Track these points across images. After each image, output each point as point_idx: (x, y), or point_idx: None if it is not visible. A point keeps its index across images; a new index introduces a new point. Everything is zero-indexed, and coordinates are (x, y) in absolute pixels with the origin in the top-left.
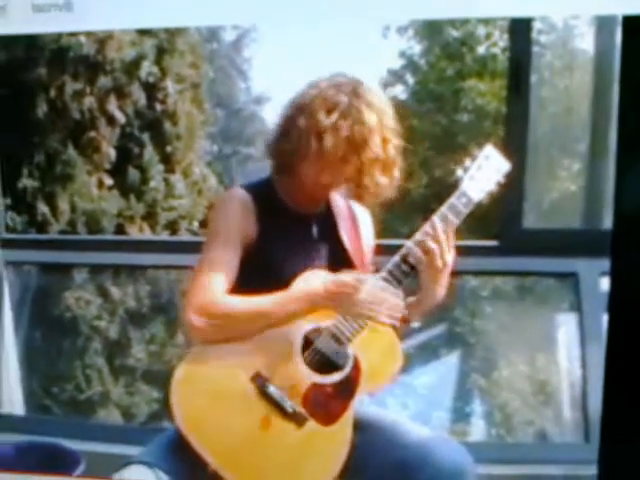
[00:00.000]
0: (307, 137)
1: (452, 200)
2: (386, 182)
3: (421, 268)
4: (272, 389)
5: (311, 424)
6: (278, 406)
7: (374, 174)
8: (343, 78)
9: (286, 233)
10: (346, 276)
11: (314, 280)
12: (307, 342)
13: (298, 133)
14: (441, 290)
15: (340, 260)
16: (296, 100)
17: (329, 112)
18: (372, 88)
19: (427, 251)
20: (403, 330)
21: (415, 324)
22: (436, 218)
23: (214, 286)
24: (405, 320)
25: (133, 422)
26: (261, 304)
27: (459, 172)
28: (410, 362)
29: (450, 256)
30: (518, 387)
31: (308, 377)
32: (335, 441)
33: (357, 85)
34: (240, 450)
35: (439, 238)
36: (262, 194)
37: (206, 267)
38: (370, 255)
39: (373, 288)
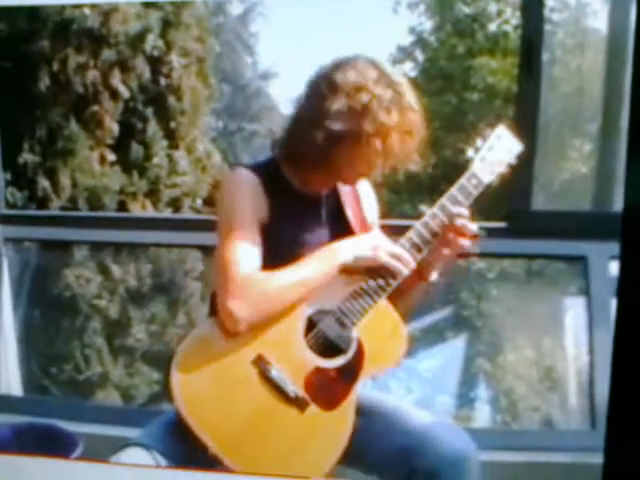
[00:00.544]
0: (372, 141)
1: (462, 181)
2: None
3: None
4: (274, 373)
5: (313, 408)
6: (280, 390)
7: (416, 154)
8: (369, 68)
9: (295, 215)
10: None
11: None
12: (310, 325)
13: (361, 139)
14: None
15: (345, 236)
16: (346, 107)
17: (389, 112)
18: (389, 66)
19: (436, 233)
20: (420, 287)
21: (433, 278)
22: (446, 200)
23: (247, 266)
24: (423, 277)
25: (132, 404)
26: (300, 271)
27: (470, 152)
28: (415, 345)
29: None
30: (524, 372)
31: (311, 361)
32: (337, 426)
33: (385, 71)
34: (240, 434)
35: (460, 212)
36: (269, 176)
37: (233, 250)
38: (374, 222)
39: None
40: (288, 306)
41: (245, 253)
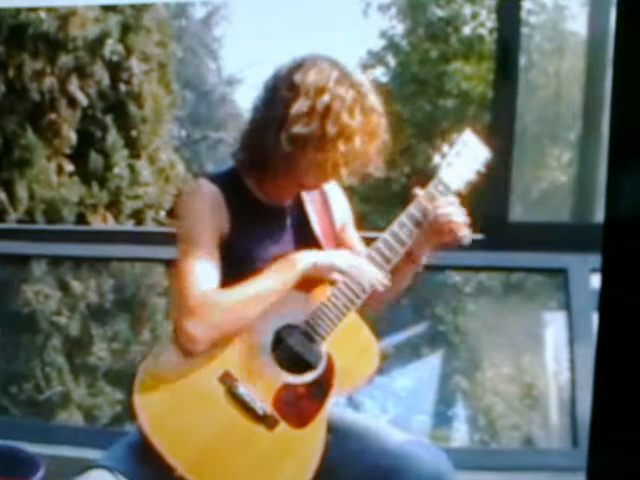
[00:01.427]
0: (336, 143)
1: (429, 189)
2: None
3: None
4: (241, 390)
5: (282, 426)
6: (248, 408)
7: (379, 158)
8: (330, 68)
9: (258, 226)
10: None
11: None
12: (278, 340)
13: (325, 141)
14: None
15: (310, 246)
16: (307, 109)
17: (351, 113)
18: (348, 67)
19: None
20: (410, 270)
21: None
22: (413, 208)
23: (205, 283)
24: (413, 260)
25: (95, 424)
26: (257, 285)
27: (437, 159)
28: (389, 362)
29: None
30: (503, 390)
31: (279, 377)
32: (308, 445)
33: (345, 71)
34: (207, 454)
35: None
36: (231, 187)
37: (187, 267)
38: (349, 231)
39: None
40: (250, 321)
41: (202, 271)
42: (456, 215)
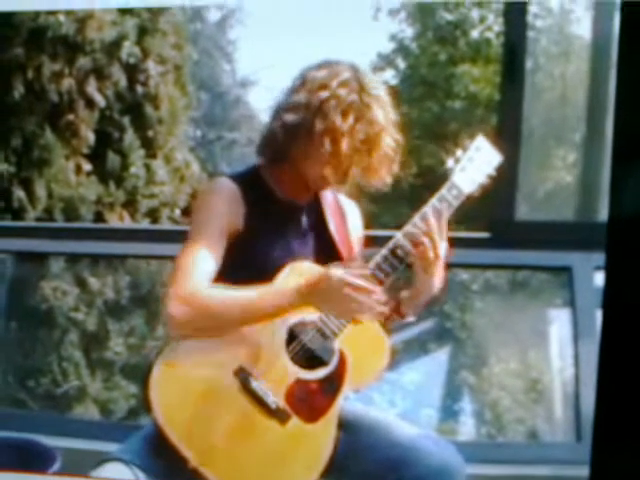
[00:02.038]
0: (321, 140)
1: (442, 192)
2: (386, 176)
3: (411, 260)
4: (255, 384)
5: (294, 421)
6: (261, 402)
7: (380, 170)
8: (346, 71)
9: (274, 223)
10: (331, 271)
11: (300, 272)
12: (292, 336)
13: (311, 136)
14: (435, 283)
15: (327, 251)
16: (305, 101)
17: (345, 115)
18: (372, 77)
19: (417, 244)
20: (398, 325)
21: (410, 318)
22: (427, 209)
23: (198, 276)
24: (400, 314)
25: (111, 418)
26: (246, 296)
27: (450, 163)
28: (398, 358)
29: (443, 248)
30: (509, 385)
31: (292, 372)
32: (319, 439)
33: (362, 79)
34: (220, 447)
35: (430, 230)
36: (250, 184)
37: (190, 257)
38: (358, 247)
39: (355, 283)
40: (231, 327)
41: (200, 262)
42: (432, 246)
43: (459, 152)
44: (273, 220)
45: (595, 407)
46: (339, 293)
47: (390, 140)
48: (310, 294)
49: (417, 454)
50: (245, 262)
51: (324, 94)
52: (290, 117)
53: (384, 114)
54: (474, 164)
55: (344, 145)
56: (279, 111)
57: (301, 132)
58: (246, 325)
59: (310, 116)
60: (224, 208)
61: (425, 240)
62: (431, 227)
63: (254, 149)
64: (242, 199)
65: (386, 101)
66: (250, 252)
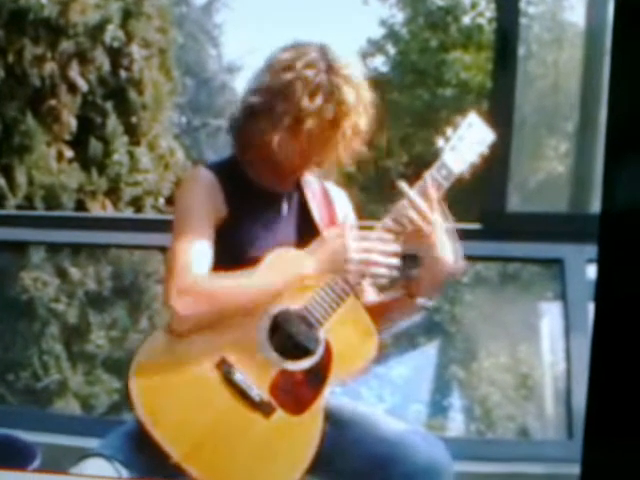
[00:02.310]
0: (287, 121)
1: (432, 172)
2: (355, 154)
3: (410, 237)
4: (238, 376)
5: (279, 413)
6: (244, 394)
7: (348, 149)
8: (313, 52)
9: (255, 212)
10: (329, 234)
11: (282, 259)
12: (275, 325)
13: (277, 118)
14: (444, 259)
15: (311, 238)
16: (268, 83)
17: (312, 96)
18: (342, 57)
19: (410, 221)
20: (411, 307)
21: (424, 302)
22: (413, 191)
23: (196, 266)
24: (411, 294)
25: (92, 413)
26: (253, 277)
27: (440, 142)
28: (386, 352)
29: (436, 219)
30: (499, 380)
31: (276, 363)
32: (305, 432)
33: (331, 60)
34: (203, 442)
35: (416, 204)
36: (228, 173)
37: (183, 247)
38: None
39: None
40: (238, 312)
41: (195, 253)
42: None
43: (449, 131)
44: (252, 208)
45: (587, 403)
46: (356, 254)
47: (361, 120)
48: (327, 260)
49: (405, 450)
50: (228, 252)
51: (289, 75)
52: (253, 99)
53: (355, 94)
54: (465, 142)
55: (310, 125)
56: (244, 95)
57: (264, 114)
58: (256, 308)
59: (272, 97)
60: (204, 196)
61: (411, 213)
62: (417, 203)
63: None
64: (220, 188)
65: (358, 81)
66: (232, 241)
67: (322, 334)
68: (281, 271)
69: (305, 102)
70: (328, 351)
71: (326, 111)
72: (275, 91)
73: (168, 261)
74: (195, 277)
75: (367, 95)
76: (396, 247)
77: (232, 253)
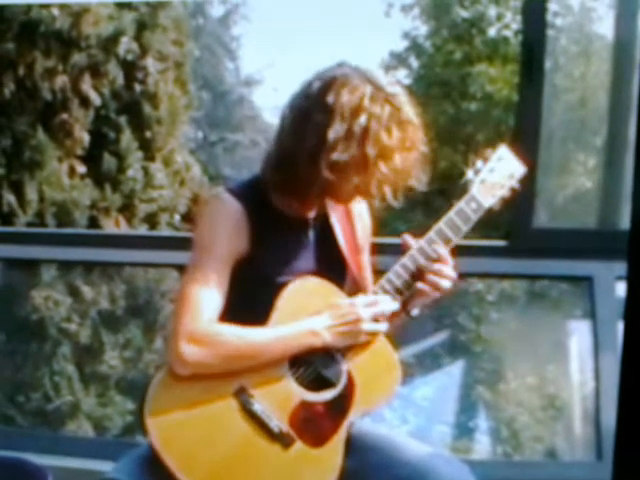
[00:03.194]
0: (377, 165)
1: (461, 205)
2: (423, 175)
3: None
4: (257, 406)
5: (298, 445)
6: (263, 425)
7: (419, 169)
8: (363, 84)
9: (281, 240)
10: (344, 306)
11: (305, 289)
12: (297, 356)
13: (367, 166)
14: (446, 284)
15: (335, 264)
16: (343, 133)
17: (389, 131)
18: (382, 76)
19: (429, 266)
20: (402, 321)
21: (414, 312)
22: (442, 225)
23: (208, 312)
24: (404, 310)
25: (105, 435)
26: (260, 338)
27: (469, 174)
28: (410, 372)
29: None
30: (526, 400)
31: (297, 394)
32: (324, 464)
33: (379, 84)
34: (219, 473)
35: (442, 254)
36: (254, 201)
37: (197, 289)
38: (367, 249)
39: (370, 306)
40: (241, 367)
41: (209, 297)
42: (445, 276)
43: (479, 163)
44: (278, 236)
45: (616, 424)
46: (368, 326)
47: (422, 135)
48: (340, 333)
49: (427, 475)
50: (251, 277)
51: (362, 118)
52: (336, 155)
53: (412, 110)
54: (495, 176)
55: (398, 160)
56: (311, 150)
57: (352, 165)
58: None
59: (359, 146)
60: (229, 233)
61: (436, 268)
62: (444, 253)
63: (259, 153)
64: (246, 220)
65: (404, 94)
66: (257, 272)
67: (345, 365)
68: (293, 325)
69: (386, 140)
70: (350, 383)
71: (404, 140)
72: (358, 138)
73: (179, 300)
74: (206, 325)
75: (414, 111)
76: (398, 304)
77: (256, 280)
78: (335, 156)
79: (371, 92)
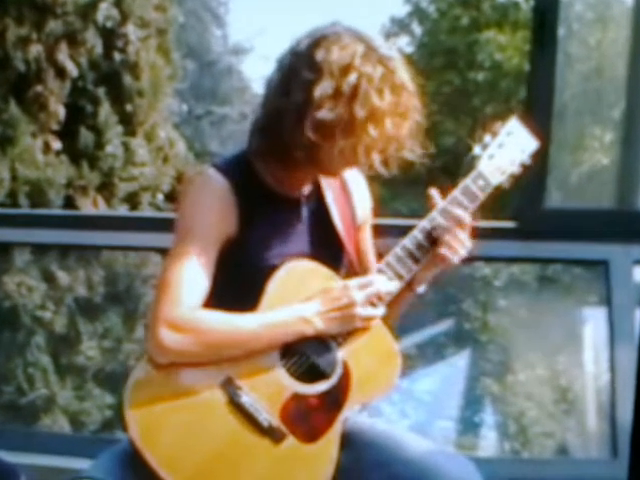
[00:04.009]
0: (365, 127)
1: (467, 182)
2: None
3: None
4: (245, 399)
5: (290, 441)
6: (252, 419)
7: (410, 142)
8: (355, 43)
9: (273, 221)
10: (336, 289)
11: (297, 272)
12: (288, 345)
13: (354, 126)
14: (457, 256)
15: (329, 243)
16: (331, 91)
17: (380, 93)
18: (378, 39)
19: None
20: (407, 298)
21: (421, 289)
22: (446, 204)
23: (191, 297)
24: (410, 288)
25: (82, 431)
26: (246, 326)
27: (477, 149)
28: (411, 364)
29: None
30: (536, 394)
31: (289, 386)
32: (318, 461)
33: (374, 45)
34: (205, 470)
35: (450, 227)
36: (242, 178)
37: (180, 273)
38: (367, 229)
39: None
40: (225, 356)
41: (193, 282)
42: (460, 246)
43: (487, 137)
44: (269, 216)
45: (633, 419)
46: (363, 310)
47: (418, 103)
48: (334, 317)
49: (430, 473)
50: (242, 259)
51: (352, 77)
52: (322, 113)
53: (407, 75)
54: (504, 151)
55: (388, 125)
56: (296, 109)
57: (339, 126)
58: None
59: (347, 105)
60: (216, 213)
61: (446, 238)
62: (453, 220)
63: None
64: (234, 197)
65: (401, 59)
66: (247, 254)
67: (340, 354)
68: (282, 311)
69: (377, 101)
70: (346, 373)
71: (396, 105)
72: (347, 97)
73: (160, 284)
74: (188, 311)
75: (409, 76)
76: (396, 285)
77: (244, 264)
78: (321, 114)
79: (363, 51)
